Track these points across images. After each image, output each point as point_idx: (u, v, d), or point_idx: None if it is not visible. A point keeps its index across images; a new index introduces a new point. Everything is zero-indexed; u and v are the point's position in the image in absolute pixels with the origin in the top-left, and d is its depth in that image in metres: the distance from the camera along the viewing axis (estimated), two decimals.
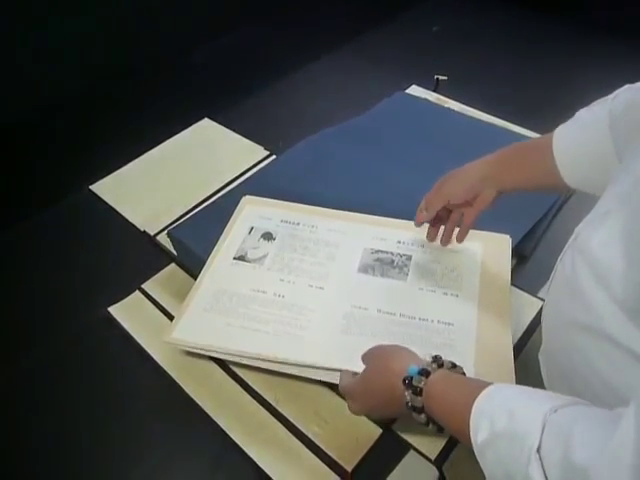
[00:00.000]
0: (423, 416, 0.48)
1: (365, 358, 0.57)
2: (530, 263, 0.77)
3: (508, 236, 0.74)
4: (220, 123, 1.06)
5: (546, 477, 0.33)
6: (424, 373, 0.48)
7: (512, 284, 0.69)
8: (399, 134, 0.97)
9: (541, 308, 0.69)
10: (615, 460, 0.29)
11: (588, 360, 0.43)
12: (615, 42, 1.22)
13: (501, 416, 0.38)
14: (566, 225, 0.67)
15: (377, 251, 0.74)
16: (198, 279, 0.72)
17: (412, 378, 0.48)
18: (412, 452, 0.58)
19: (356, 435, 0.59)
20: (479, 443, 0.39)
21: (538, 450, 0.34)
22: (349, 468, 0.57)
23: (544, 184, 0.61)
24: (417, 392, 0.47)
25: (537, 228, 0.79)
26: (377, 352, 0.56)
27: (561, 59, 1.22)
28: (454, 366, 0.50)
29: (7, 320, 0.76)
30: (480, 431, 0.39)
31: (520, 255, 0.76)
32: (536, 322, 0.68)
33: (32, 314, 0.77)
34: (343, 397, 0.61)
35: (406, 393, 0.48)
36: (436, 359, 0.50)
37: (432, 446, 0.57)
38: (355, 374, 0.57)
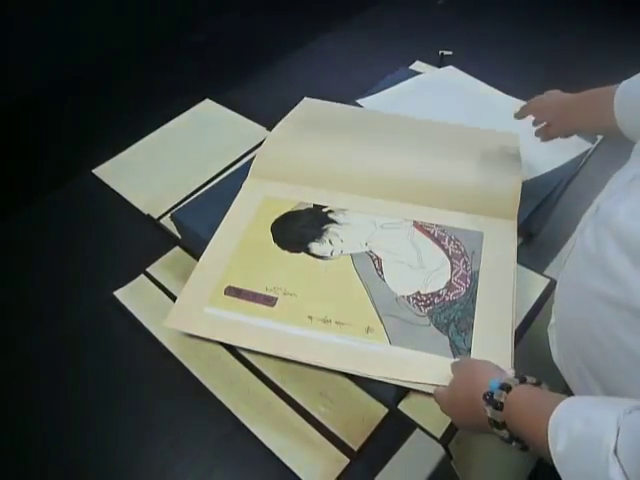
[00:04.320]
0: (505, 432, 0.46)
1: (453, 367, 0.57)
2: (537, 241, 0.76)
3: None
4: (221, 104, 1.05)
5: (627, 477, 0.33)
6: (505, 387, 0.46)
7: (519, 262, 0.69)
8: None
9: (548, 285, 0.69)
10: None
11: (610, 332, 0.43)
12: (633, 13, 1.19)
13: (577, 423, 0.37)
14: (574, 204, 0.67)
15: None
16: (199, 262, 0.72)
17: (493, 393, 0.47)
18: (418, 431, 0.58)
19: (362, 414, 0.60)
20: (558, 453, 0.38)
21: (615, 451, 0.34)
22: (355, 447, 0.57)
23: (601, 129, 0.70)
24: (498, 407, 0.46)
25: (543, 206, 0.78)
26: (464, 363, 0.56)
27: (573, 29, 1.18)
28: (538, 383, 0.48)
29: (13, 305, 0.76)
30: (559, 441, 0.38)
31: (527, 233, 0.76)
32: (543, 300, 0.68)
33: (37, 299, 0.77)
34: (348, 377, 0.62)
35: (487, 408, 0.47)
36: (519, 375, 0.48)
37: (438, 425, 0.57)
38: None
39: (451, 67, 1.07)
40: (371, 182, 0.79)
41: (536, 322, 0.66)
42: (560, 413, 0.39)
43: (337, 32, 1.23)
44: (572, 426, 0.37)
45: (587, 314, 0.45)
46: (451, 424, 0.57)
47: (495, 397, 0.46)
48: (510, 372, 0.49)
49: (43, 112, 1.15)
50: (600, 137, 0.88)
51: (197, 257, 0.74)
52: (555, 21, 1.23)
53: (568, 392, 0.53)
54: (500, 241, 0.71)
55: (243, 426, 0.60)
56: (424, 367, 0.60)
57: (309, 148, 0.84)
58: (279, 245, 0.74)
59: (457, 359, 0.59)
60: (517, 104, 0.96)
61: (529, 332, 0.65)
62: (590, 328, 0.45)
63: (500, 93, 1.00)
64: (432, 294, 0.67)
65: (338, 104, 0.95)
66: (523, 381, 0.47)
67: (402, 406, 0.59)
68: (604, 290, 0.43)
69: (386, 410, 0.60)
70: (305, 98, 0.95)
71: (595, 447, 0.35)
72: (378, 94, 1.01)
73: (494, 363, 0.53)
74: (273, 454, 0.58)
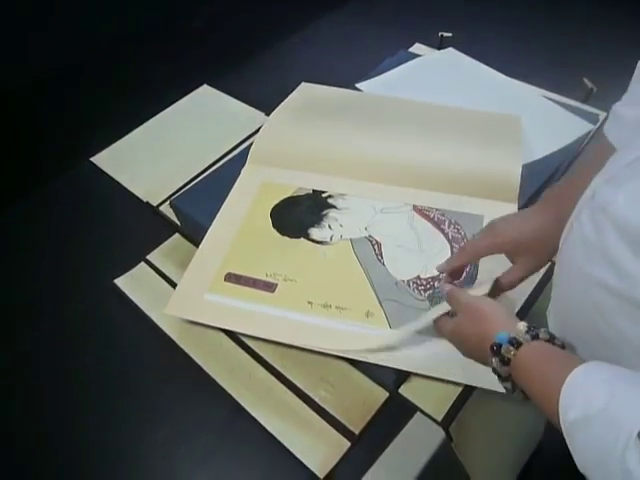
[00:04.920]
0: (508, 384, 0.45)
1: (457, 301, 0.52)
2: None
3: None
4: (219, 89, 1.04)
5: None
6: (515, 343, 0.43)
7: None
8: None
9: (548, 269, 0.68)
10: None
11: (609, 320, 0.41)
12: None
13: (600, 395, 0.34)
14: None
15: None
16: (198, 249, 0.72)
17: (501, 346, 0.44)
18: (419, 414, 0.58)
19: (363, 398, 0.60)
20: (569, 421, 0.35)
21: (639, 435, 0.31)
22: (356, 431, 0.57)
23: None
24: (505, 361, 0.43)
25: (542, 191, 0.77)
26: (472, 302, 0.50)
27: (574, 12, 1.16)
28: (552, 338, 0.44)
29: (14, 294, 0.77)
30: (572, 409, 0.35)
31: None
32: (543, 283, 0.67)
33: (38, 288, 0.77)
34: (349, 362, 0.62)
35: (493, 359, 0.44)
36: (530, 330, 0.44)
37: (439, 408, 0.58)
38: (451, 315, 0.52)
39: (451, 49, 1.05)
40: (370, 166, 0.79)
41: (537, 306, 0.66)
42: (580, 377, 0.37)
43: (335, 16, 1.22)
44: (593, 396, 0.35)
45: (586, 301, 0.44)
46: (452, 407, 0.57)
47: (503, 351, 0.43)
48: (521, 325, 0.44)
49: (40, 101, 1.14)
50: (602, 118, 0.87)
51: (197, 244, 0.74)
52: (555, 4, 1.21)
53: None
54: None
55: (244, 411, 0.60)
56: (424, 351, 0.60)
57: (308, 133, 0.83)
58: (278, 231, 0.73)
59: (462, 294, 0.52)
60: (518, 86, 0.96)
61: (530, 315, 0.65)
62: (589, 315, 0.44)
63: (501, 75, 0.98)
64: (432, 278, 0.67)
65: (336, 88, 0.94)
66: (535, 337, 0.43)
67: (403, 390, 0.59)
68: (604, 279, 0.42)
69: (387, 394, 0.60)
70: (303, 83, 0.95)
71: (615, 428, 0.32)
72: (377, 77, 1.00)
73: (505, 309, 0.49)
74: (274, 439, 0.58)
